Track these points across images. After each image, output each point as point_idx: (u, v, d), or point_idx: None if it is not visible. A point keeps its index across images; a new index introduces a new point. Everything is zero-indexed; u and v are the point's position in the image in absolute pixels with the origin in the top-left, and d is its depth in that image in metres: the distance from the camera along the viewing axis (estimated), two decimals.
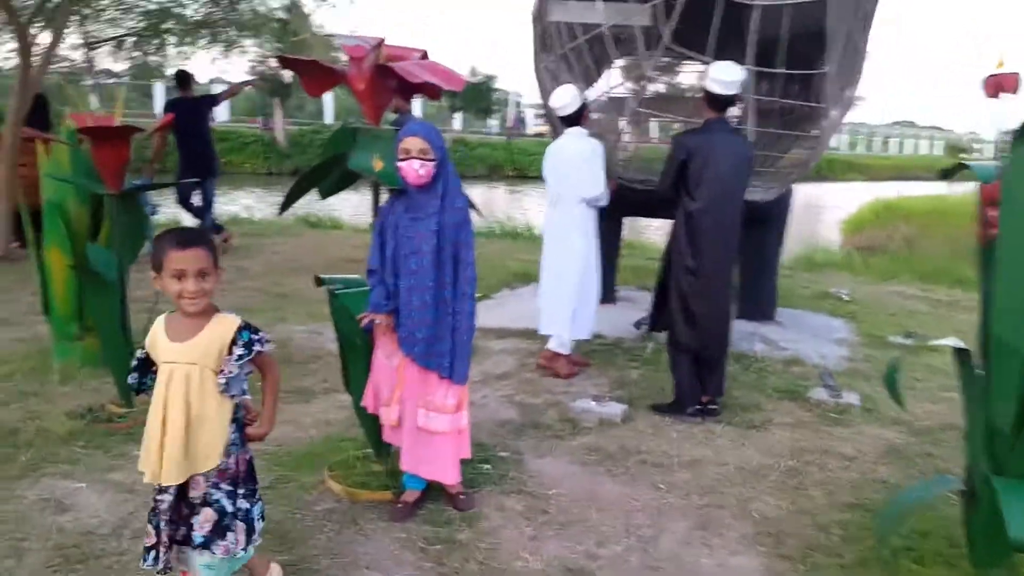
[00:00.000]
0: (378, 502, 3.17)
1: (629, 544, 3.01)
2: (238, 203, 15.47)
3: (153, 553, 2.19)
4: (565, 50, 6.02)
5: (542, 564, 2.82)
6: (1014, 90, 2.93)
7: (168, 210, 9.96)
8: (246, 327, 2.20)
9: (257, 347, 2.21)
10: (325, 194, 3.50)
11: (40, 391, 4.18)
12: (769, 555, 2.97)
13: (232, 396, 2.21)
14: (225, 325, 2.18)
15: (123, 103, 4.12)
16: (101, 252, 4.06)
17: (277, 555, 2.74)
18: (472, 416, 4.15)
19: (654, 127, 11.30)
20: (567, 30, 6.06)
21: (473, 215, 3.10)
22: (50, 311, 4.53)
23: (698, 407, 4.34)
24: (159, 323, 2.20)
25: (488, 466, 3.57)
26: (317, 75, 3.32)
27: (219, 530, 2.23)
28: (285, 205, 3.44)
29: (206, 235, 2.23)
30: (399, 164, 2.90)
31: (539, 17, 6.39)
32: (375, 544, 2.89)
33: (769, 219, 6.13)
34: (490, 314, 6.44)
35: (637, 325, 6.01)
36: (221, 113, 35.43)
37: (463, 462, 3.23)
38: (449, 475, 3.07)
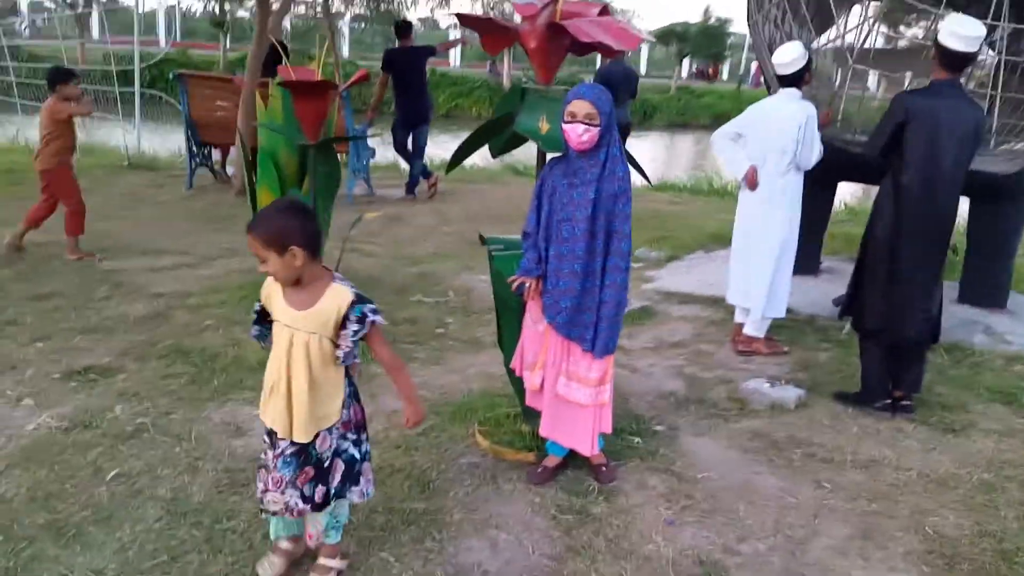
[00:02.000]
0: (520, 462, 3.20)
1: (774, 543, 2.81)
2: (452, 147, 16.05)
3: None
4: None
5: (673, 552, 2.72)
6: None
7: (387, 154, 10.52)
8: (359, 300, 2.22)
9: (372, 317, 2.24)
10: (496, 152, 3.51)
11: (245, 320, 4.61)
12: None
13: (347, 364, 2.30)
14: (341, 298, 2.22)
15: (323, 57, 4.36)
16: (303, 198, 4.37)
17: (415, 502, 2.87)
18: (634, 384, 4.12)
19: (874, 83, 10.23)
20: None
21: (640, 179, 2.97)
22: None
23: (888, 402, 3.94)
24: (271, 284, 2.29)
25: (639, 440, 3.47)
26: (494, 33, 3.30)
27: (352, 477, 2.37)
28: (452, 164, 3.49)
29: (262, 222, 2.21)
30: (564, 126, 2.82)
31: None
32: (509, 505, 2.93)
33: (1009, 193, 5.36)
34: (677, 277, 6.23)
35: (837, 302, 5.54)
36: (452, 59, 36.85)
37: (614, 432, 3.17)
38: (585, 446, 3.02)
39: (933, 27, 6.38)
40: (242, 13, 29.15)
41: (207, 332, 4.38)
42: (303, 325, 2.22)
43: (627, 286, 2.92)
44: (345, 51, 34.06)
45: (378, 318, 2.25)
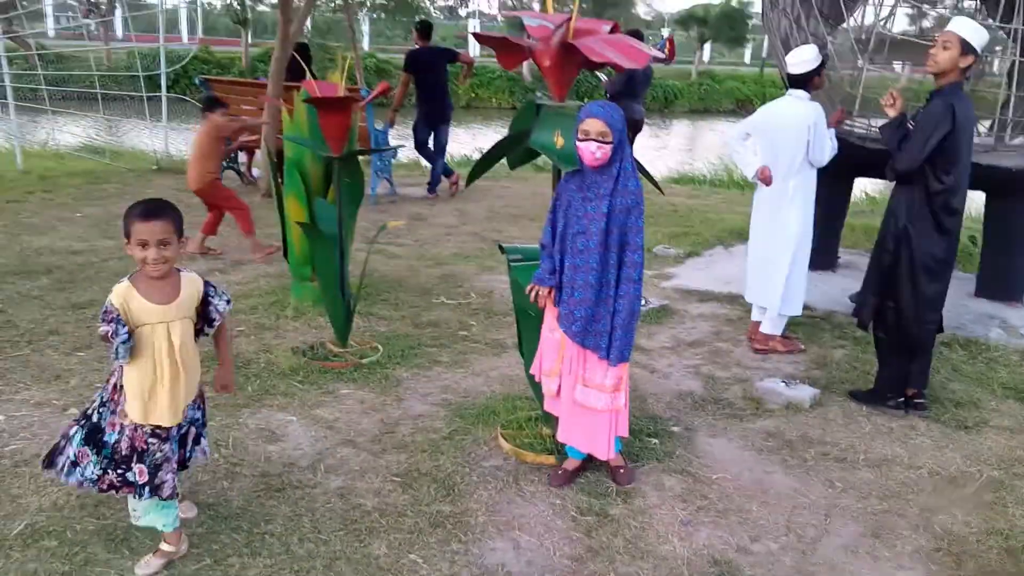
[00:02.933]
0: (542, 465, 3.34)
1: (786, 542, 2.93)
2: (474, 142, 16.11)
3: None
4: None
5: (689, 552, 2.84)
6: None
7: (410, 154, 10.65)
8: (207, 282, 2.58)
9: (224, 293, 2.63)
10: (514, 165, 3.64)
11: (274, 325, 4.80)
12: None
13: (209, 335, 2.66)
14: (195, 283, 2.54)
15: (347, 72, 4.49)
16: (326, 208, 4.52)
17: (441, 504, 3.02)
18: (652, 385, 4.23)
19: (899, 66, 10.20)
20: None
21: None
22: (288, 254, 5.15)
23: (901, 400, 4.02)
24: (127, 289, 2.42)
25: (656, 441, 3.60)
26: (508, 50, 3.42)
27: (198, 439, 2.75)
28: (471, 178, 3.61)
29: (169, 207, 2.45)
30: (577, 144, 2.94)
31: None
32: (531, 507, 3.06)
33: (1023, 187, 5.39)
34: (695, 274, 6.32)
35: (854, 298, 5.60)
36: (472, 50, 36.86)
37: (631, 434, 3.29)
38: (602, 451, 3.15)
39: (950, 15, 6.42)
40: (263, 8, 29.39)
41: (239, 338, 4.54)
42: (175, 315, 2.47)
43: (640, 296, 3.04)
44: (365, 44, 34.24)
45: (227, 293, 2.67)
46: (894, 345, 4.01)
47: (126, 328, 2.39)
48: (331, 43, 27.36)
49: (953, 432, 3.83)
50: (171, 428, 2.54)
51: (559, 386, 3.16)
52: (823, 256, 6.49)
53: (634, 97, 8.68)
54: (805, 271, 4.74)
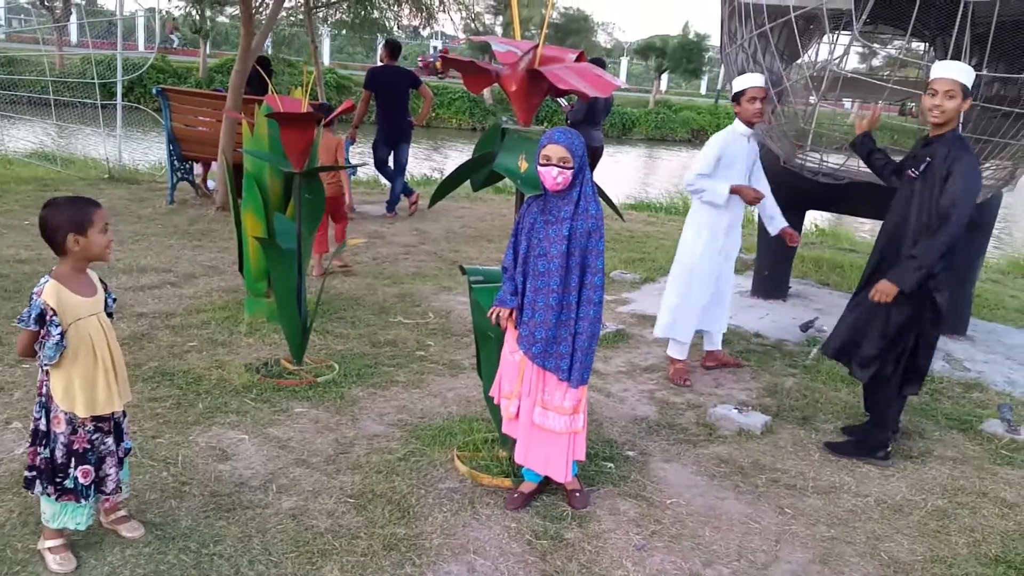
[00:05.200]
0: (498, 488, 3.33)
1: (738, 567, 2.96)
2: (432, 161, 16.13)
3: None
4: (754, 34, 5.74)
5: None
6: None
7: (369, 171, 10.60)
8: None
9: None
10: (477, 187, 3.65)
11: (227, 341, 4.72)
12: None
13: None
14: (96, 277, 2.62)
15: (309, 88, 4.48)
16: (285, 223, 4.48)
17: (396, 527, 2.98)
18: (608, 410, 4.26)
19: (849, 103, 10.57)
20: (756, 12, 5.77)
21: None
22: (244, 268, 5.09)
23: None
24: (57, 287, 2.45)
25: (611, 465, 3.62)
26: (476, 74, 3.44)
27: (122, 435, 2.75)
28: (435, 199, 3.62)
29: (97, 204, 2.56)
30: (539, 168, 2.97)
31: None
32: (486, 530, 3.05)
33: (972, 222, 5.58)
34: (651, 299, 6.39)
35: (804, 328, 5.74)
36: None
37: (587, 458, 3.30)
38: (560, 473, 3.16)
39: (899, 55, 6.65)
40: (222, 19, 29.10)
41: (191, 354, 4.46)
42: (100, 306, 2.57)
43: (600, 318, 3.07)
44: (326, 59, 34.09)
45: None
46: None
47: (59, 328, 2.42)
48: (292, 58, 27.23)
49: (899, 462, 3.92)
50: (111, 418, 2.62)
51: (518, 408, 3.17)
52: (775, 286, 6.65)
53: (594, 124, 8.80)
54: (698, 298, 4.73)
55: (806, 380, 4.89)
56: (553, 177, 2.93)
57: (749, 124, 4.60)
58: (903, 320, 3.75)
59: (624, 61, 43.03)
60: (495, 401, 3.33)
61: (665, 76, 41.92)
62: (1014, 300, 7.32)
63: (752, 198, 4.58)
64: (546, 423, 3.10)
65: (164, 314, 5.11)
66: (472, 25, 27.57)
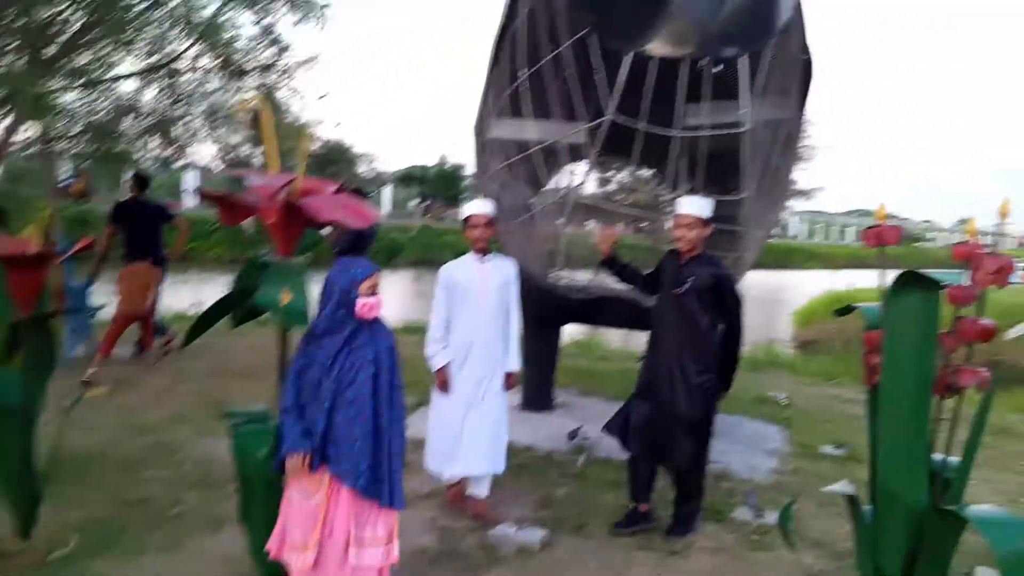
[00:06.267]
0: None
1: None
2: (191, 298, 15.35)
3: None
4: (502, 166, 6.18)
5: None
6: (896, 242, 3.04)
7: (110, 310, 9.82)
8: None
9: None
10: (237, 323, 3.52)
11: None
12: None
13: None
14: None
15: (43, 224, 4.13)
16: (7, 376, 3.97)
17: None
18: None
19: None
20: (505, 146, 6.24)
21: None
22: None
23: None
24: None
25: None
26: (232, 207, 3.38)
27: None
28: (190, 338, 3.44)
29: None
30: (366, 301, 2.98)
31: (479, 133, 6.59)
32: None
33: None
34: (427, 424, 6.36)
35: (571, 436, 6.00)
36: (189, 199, 35.66)
37: None
38: None
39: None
40: None
41: None
42: None
43: (405, 433, 3.11)
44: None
45: None
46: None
47: None
48: (23, 192, 24.96)
49: (665, 558, 4.15)
50: None
51: (316, 558, 2.96)
52: (540, 398, 6.93)
53: (362, 252, 8.87)
54: (440, 430, 4.82)
55: (577, 487, 5.07)
56: (377, 305, 3.02)
57: (476, 249, 4.62)
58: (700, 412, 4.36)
59: (387, 190, 44.23)
60: (272, 555, 3.08)
61: (427, 202, 43.61)
62: (746, 394, 8.15)
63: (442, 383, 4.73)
64: (364, 562, 2.99)
65: None
66: (229, 156, 27.12)
